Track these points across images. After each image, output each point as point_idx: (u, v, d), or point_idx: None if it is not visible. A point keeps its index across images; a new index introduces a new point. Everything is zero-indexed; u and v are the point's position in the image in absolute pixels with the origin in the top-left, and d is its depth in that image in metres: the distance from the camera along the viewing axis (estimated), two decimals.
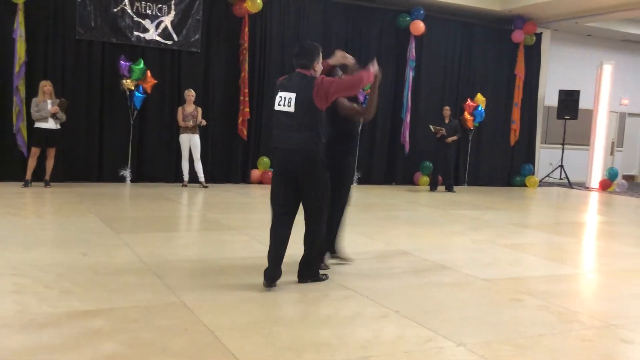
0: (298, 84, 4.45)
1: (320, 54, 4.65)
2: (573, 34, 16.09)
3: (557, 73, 15.75)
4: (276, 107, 4.50)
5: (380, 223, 7.76)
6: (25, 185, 9.18)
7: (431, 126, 12.08)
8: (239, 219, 7.47)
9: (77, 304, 3.75)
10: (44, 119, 9.18)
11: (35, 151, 9.24)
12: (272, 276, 4.29)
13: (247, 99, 11.36)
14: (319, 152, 4.39)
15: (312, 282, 4.54)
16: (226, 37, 11.37)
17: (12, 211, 7.17)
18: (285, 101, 4.43)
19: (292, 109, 4.37)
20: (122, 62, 10.23)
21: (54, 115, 9.21)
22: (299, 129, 4.35)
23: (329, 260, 5.05)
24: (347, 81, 4.48)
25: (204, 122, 10.46)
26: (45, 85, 9.25)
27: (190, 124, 10.31)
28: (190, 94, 10.42)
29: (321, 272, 4.70)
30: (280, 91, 4.54)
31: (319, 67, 4.60)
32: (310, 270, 4.57)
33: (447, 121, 12.13)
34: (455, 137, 12.12)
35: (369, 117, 5.19)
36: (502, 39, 14.25)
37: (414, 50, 13.00)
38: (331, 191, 4.56)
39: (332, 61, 4.99)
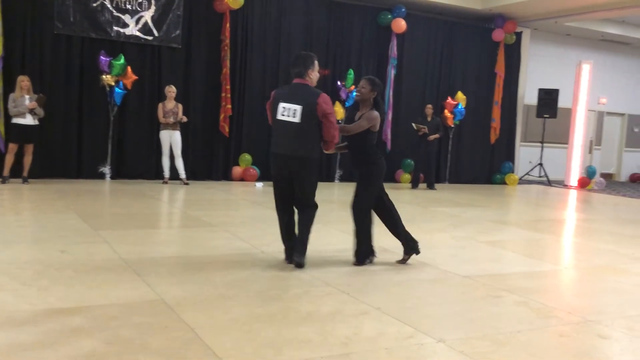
0: (302, 96, 4.85)
1: (316, 62, 4.98)
2: (552, 33, 16.26)
3: (536, 72, 15.91)
4: (279, 117, 4.86)
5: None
6: (3, 182, 9.06)
7: (413, 124, 12.13)
8: (220, 216, 7.44)
9: (55, 302, 3.70)
10: (21, 114, 9.06)
11: (12, 147, 9.12)
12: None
13: (228, 95, 11.30)
14: (315, 156, 4.92)
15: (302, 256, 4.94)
16: (207, 33, 11.31)
17: None
18: (290, 112, 4.81)
19: (297, 119, 4.78)
20: (102, 57, 10.12)
21: (31, 111, 9.09)
22: (300, 137, 4.81)
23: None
24: (335, 128, 4.94)
25: (184, 119, 10.40)
26: (23, 81, 9.13)
27: (171, 120, 10.25)
28: (171, 90, 10.35)
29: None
30: (283, 102, 4.88)
31: (314, 74, 4.96)
32: (304, 245, 4.97)
33: (429, 119, 12.19)
34: (437, 135, 12.19)
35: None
36: (482, 38, 14.36)
37: (395, 48, 13.04)
38: (356, 197, 5.25)
39: None
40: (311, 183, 5.02)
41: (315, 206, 5.13)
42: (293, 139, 4.82)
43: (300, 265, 4.91)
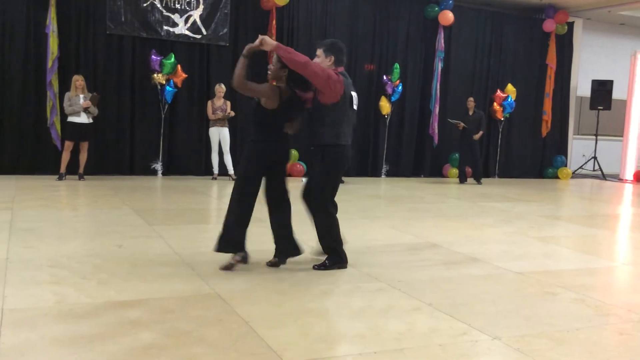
0: (351, 84, 4.72)
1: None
2: (606, 23, 15.76)
3: (589, 63, 15.46)
4: (355, 107, 4.77)
5: (408, 215, 7.73)
6: (60, 179, 9.36)
7: (449, 120, 12.00)
8: (267, 212, 7.49)
9: (114, 295, 3.82)
10: (76, 113, 9.34)
11: (68, 145, 9.41)
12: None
13: None
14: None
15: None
16: (254, 30, 11.39)
17: (47, 204, 7.32)
18: (356, 101, 4.77)
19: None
20: (153, 56, 10.34)
21: (86, 110, 9.36)
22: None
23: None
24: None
25: (232, 113, 10.53)
26: (78, 80, 9.41)
27: (220, 115, 10.39)
28: (221, 89, 10.50)
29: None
30: (353, 92, 4.73)
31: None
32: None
33: (470, 113, 11.99)
34: (481, 133, 11.98)
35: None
36: (533, 29, 14.04)
37: (442, 41, 12.88)
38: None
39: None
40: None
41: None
42: (349, 127, 4.75)
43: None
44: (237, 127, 11.16)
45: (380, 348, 3.14)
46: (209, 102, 10.55)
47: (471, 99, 12.19)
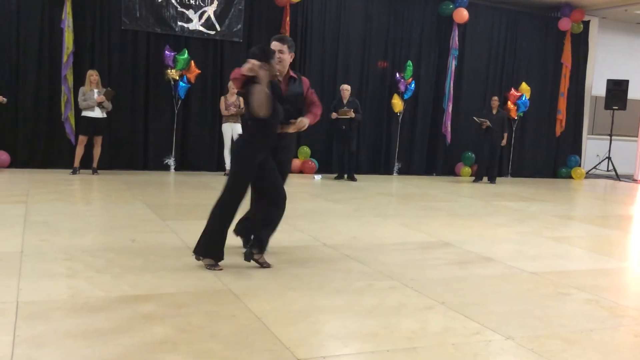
0: None
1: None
2: (622, 22, 15.60)
3: (605, 62, 15.31)
4: None
5: (421, 214, 7.71)
6: (74, 173, 9.43)
7: (475, 118, 11.90)
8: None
9: (128, 289, 3.84)
10: (90, 107, 9.39)
11: (82, 139, 9.47)
12: None
13: None
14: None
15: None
16: (268, 27, 11.41)
17: (61, 197, 7.37)
18: None
19: None
20: (167, 52, 10.38)
21: (100, 104, 9.41)
22: None
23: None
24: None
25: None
26: (92, 75, 9.46)
27: (233, 110, 10.40)
28: (234, 86, 10.49)
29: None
30: None
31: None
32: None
33: (494, 112, 11.90)
34: (506, 136, 11.94)
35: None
36: (548, 27, 13.94)
37: (457, 39, 12.82)
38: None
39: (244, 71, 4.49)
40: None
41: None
42: None
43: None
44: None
45: (393, 346, 3.14)
46: (222, 98, 10.57)
47: (495, 98, 12.05)
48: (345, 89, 10.78)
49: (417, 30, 12.72)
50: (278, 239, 5.70)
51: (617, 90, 14.37)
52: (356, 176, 10.99)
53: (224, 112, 10.47)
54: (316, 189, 9.75)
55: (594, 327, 3.63)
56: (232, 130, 10.52)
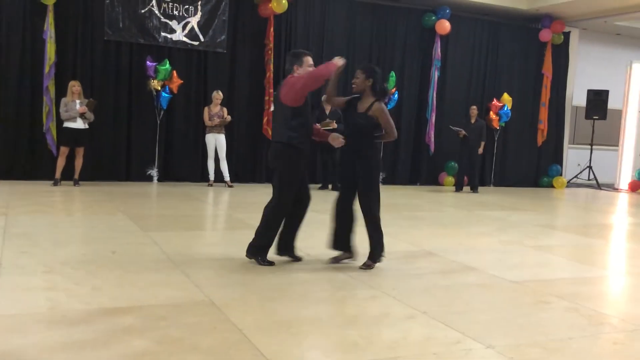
0: (280, 87, 5.02)
1: (303, 58, 4.96)
2: (602, 33, 15.84)
3: (585, 72, 15.52)
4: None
5: (405, 223, 7.73)
6: (55, 184, 9.34)
7: (451, 127, 12.02)
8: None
9: (107, 301, 3.80)
10: (72, 118, 9.33)
11: (64, 150, 9.39)
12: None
13: (272, 99, 11.40)
14: (285, 143, 4.84)
15: (252, 259, 4.96)
16: (252, 38, 11.44)
17: (42, 209, 7.30)
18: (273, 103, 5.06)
19: (273, 107, 4.88)
20: (148, 62, 10.35)
21: (82, 115, 9.35)
22: (274, 123, 5.16)
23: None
24: (308, 75, 4.80)
25: (229, 118, 10.52)
26: (74, 86, 9.40)
27: (217, 121, 10.38)
28: (218, 96, 10.49)
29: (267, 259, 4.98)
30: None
31: (301, 70, 4.91)
32: (253, 248, 4.97)
33: (473, 121, 12.02)
34: (483, 144, 12.02)
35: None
36: (529, 38, 14.10)
37: (439, 50, 12.92)
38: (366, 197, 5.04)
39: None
40: (280, 172, 4.90)
41: (275, 206, 4.89)
42: (273, 125, 5.14)
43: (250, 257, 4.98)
44: (233, 133, 11.16)
45: (374, 356, 3.14)
46: (206, 109, 10.55)
47: (474, 107, 12.19)
48: None
49: (400, 41, 12.81)
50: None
51: (597, 100, 14.55)
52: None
53: (207, 122, 10.45)
54: None
55: (574, 335, 3.66)
56: (215, 140, 10.51)
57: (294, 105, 4.79)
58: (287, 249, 5.12)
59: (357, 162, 4.99)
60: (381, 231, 5.04)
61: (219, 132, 10.49)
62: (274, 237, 4.99)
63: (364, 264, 5.02)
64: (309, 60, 4.96)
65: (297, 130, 4.80)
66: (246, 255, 5.00)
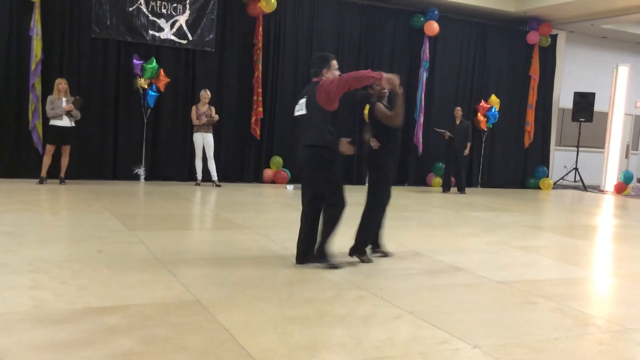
0: (309, 90, 5.05)
1: (331, 61, 5.05)
2: (588, 36, 15.98)
3: (572, 75, 15.65)
4: (295, 114, 5.15)
5: (392, 224, 7.69)
6: (41, 182, 9.26)
7: (436, 129, 12.08)
8: (251, 218, 7.48)
9: (93, 301, 3.77)
10: (58, 116, 9.26)
11: (50, 148, 9.32)
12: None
13: (260, 98, 11.38)
14: (325, 147, 4.89)
15: (316, 263, 4.99)
16: (240, 37, 11.41)
17: (27, 208, 7.24)
18: (299, 107, 5.06)
19: (304, 111, 4.99)
20: (135, 60, 10.29)
21: (68, 113, 9.28)
22: (309, 129, 4.95)
23: (371, 254, 5.49)
24: (347, 76, 4.83)
25: (217, 117, 10.49)
26: (61, 83, 9.33)
27: (204, 120, 10.34)
28: (206, 95, 10.46)
29: (334, 262, 5.03)
30: (299, 99, 5.15)
31: (329, 74, 5.00)
32: (319, 253, 5.01)
33: (458, 122, 12.07)
34: (469, 145, 12.06)
35: (395, 123, 5.37)
36: (516, 41, 14.19)
37: (427, 51, 12.97)
38: (370, 188, 5.39)
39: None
40: (324, 176, 4.95)
41: (336, 205, 4.98)
42: (304, 130, 5.03)
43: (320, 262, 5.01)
44: (221, 133, 11.12)
45: (361, 356, 3.14)
46: (194, 108, 10.51)
47: (458, 108, 12.26)
48: None
49: (388, 41, 12.84)
50: (248, 248, 5.69)
51: (583, 102, 14.67)
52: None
53: (195, 121, 10.41)
54: (289, 199, 9.74)
55: (560, 335, 3.68)
56: (203, 139, 10.47)
57: (332, 109, 4.89)
58: (306, 254, 5.13)
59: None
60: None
61: (206, 132, 10.46)
62: (334, 235, 5.08)
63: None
64: (336, 63, 5.06)
65: (334, 134, 4.94)
66: (313, 261, 5.03)
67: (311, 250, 5.07)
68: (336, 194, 4.98)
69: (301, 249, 5.08)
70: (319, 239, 5.02)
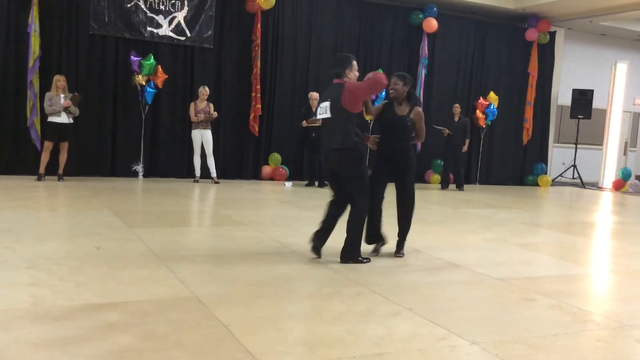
0: (332, 92, 5.09)
1: (354, 63, 5.16)
2: (587, 33, 15.97)
3: (570, 72, 15.65)
4: (318, 116, 5.28)
5: (390, 221, 7.70)
6: (39, 179, 9.25)
7: (435, 126, 12.07)
8: (250, 215, 7.48)
9: (91, 297, 3.77)
10: (57, 113, 9.24)
11: (48, 145, 9.30)
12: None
13: (258, 95, 11.37)
14: (353, 148, 5.02)
15: (352, 263, 5.07)
16: (239, 33, 11.39)
17: (26, 204, 7.23)
18: (323, 110, 5.13)
19: (328, 114, 5.06)
20: (132, 57, 10.27)
21: (66, 109, 9.25)
22: (335, 132, 5.05)
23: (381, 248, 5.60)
24: (365, 84, 5.05)
25: (215, 114, 10.48)
26: (59, 80, 9.30)
27: (202, 117, 10.33)
28: (204, 92, 10.44)
29: (363, 257, 5.19)
30: (321, 102, 5.21)
31: (352, 74, 5.13)
32: (350, 252, 5.09)
33: (456, 119, 12.06)
34: (467, 142, 12.06)
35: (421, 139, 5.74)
36: (515, 37, 14.18)
37: (426, 48, 12.96)
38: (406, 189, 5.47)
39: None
40: (353, 178, 5.07)
41: (363, 203, 5.11)
42: (329, 133, 5.12)
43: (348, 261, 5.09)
44: (220, 130, 11.11)
45: (359, 352, 3.14)
46: (192, 104, 10.49)
47: (457, 105, 12.25)
48: (315, 97, 10.79)
49: (387, 39, 12.83)
50: (247, 245, 5.69)
51: (582, 99, 14.67)
52: (327, 183, 11.00)
53: (193, 118, 10.40)
54: (287, 196, 9.74)
55: (558, 332, 3.68)
56: (202, 136, 10.45)
57: (356, 112, 5.05)
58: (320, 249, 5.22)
59: (395, 161, 5.39)
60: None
61: (205, 128, 10.44)
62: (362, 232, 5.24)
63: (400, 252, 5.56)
64: (356, 64, 5.19)
65: (359, 135, 5.12)
66: (342, 262, 5.08)
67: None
68: (363, 193, 5.10)
69: (321, 241, 5.17)
70: (348, 239, 5.09)
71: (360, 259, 5.14)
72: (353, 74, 5.11)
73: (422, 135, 5.57)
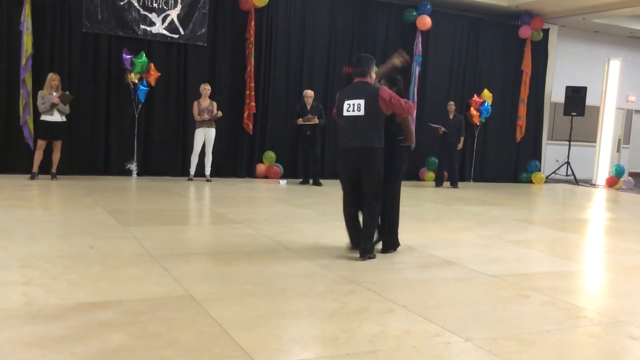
0: (364, 91, 5.22)
1: (372, 64, 5.40)
2: (580, 30, 16.02)
3: (564, 69, 15.69)
4: (345, 113, 5.28)
5: None
6: (32, 178, 9.21)
7: (430, 124, 12.10)
8: (244, 213, 7.47)
9: (84, 296, 3.76)
10: (49, 111, 9.19)
11: (41, 144, 9.26)
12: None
13: (252, 93, 11.35)
14: (382, 148, 5.24)
15: (369, 259, 5.22)
16: (232, 31, 11.37)
17: (19, 203, 7.20)
18: (354, 107, 5.21)
19: (362, 112, 5.16)
20: (124, 55, 10.23)
21: (54, 106, 9.15)
22: (366, 130, 5.17)
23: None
24: (403, 104, 5.22)
25: (220, 114, 10.44)
26: (54, 79, 9.24)
27: (206, 117, 10.30)
28: (206, 88, 10.40)
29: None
30: (348, 99, 5.28)
31: (373, 74, 5.37)
32: (371, 247, 5.29)
33: (451, 117, 12.09)
34: (462, 140, 12.08)
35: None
36: (509, 35, 14.21)
37: (420, 46, 12.97)
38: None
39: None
40: (379, 173, 5.26)
41: (379, 199, 5.34)
42: (358, 131, 5.19)
43: (367, 255, 5.24)
44: (222, 128, 11.06)
45: (353, 350, 3.14)
46: (195, 103, 10.42)
47: (451, 103, 12.27)
48: (309, 95, 10.80)
49: (381, 36, 12.83)
50: (241, 243, 5.68)
51: (575, 96, 14.72)
52: (321, 181, 11.01)
53: (197, 117, 10.33)
54: (281, 194, 9.74)
55: (551, 328, 3.70)
56: (205, 135, 10.40)
57: (386, 115, 5.26)
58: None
59: (388, 161, 5.43)
60: None
61: (209, 126, 10.40)
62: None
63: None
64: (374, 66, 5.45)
65: (385, 137, 5.29)
66: (362, 258, 5.20)
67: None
68: (381, 191, 5.33)
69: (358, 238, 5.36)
70: (369, 235, 5.29)
71: (374, 253, 5.34)
72: (373, 73, 5.35)
73: (409, 137, 5.66)
